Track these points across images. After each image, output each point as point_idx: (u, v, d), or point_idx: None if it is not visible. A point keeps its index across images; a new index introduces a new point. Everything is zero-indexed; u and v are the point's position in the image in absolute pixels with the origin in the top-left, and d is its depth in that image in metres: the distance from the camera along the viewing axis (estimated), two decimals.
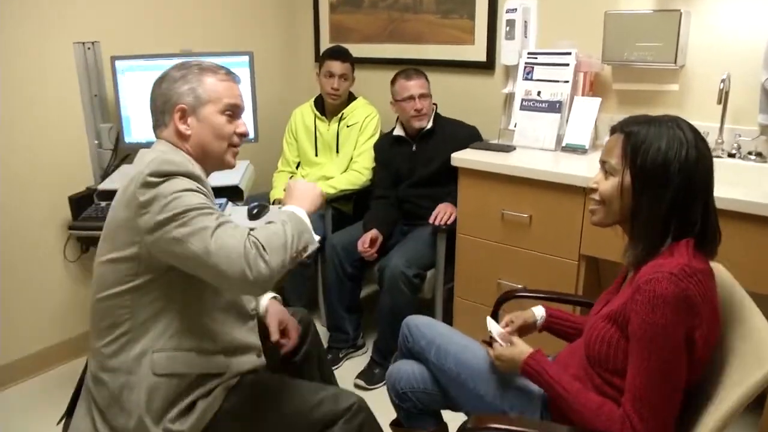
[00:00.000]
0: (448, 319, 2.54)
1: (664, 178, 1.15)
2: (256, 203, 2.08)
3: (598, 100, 2.35)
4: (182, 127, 1.34)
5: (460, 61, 2.91)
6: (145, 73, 2.52)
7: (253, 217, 2.03)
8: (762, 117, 2.23)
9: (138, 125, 2.55)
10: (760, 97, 2.22)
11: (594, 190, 1.26)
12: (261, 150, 2.85)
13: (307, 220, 1.32)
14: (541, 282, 2.22)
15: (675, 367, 1.11)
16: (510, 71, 2.72)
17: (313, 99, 3.00)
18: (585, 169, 2.11)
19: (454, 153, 2.38)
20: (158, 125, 1.38)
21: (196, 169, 1.30)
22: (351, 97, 2.94)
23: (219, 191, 2.21)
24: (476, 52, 2.85)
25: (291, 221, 1.27)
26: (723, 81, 2.14)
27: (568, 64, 2.41)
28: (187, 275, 1.24)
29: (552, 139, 2.40)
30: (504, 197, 2.26)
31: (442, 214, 2.45)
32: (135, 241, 1.23)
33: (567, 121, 2.40)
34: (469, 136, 2.64)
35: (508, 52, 2.63)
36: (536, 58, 2.51)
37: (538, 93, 2.47)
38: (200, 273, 1.20)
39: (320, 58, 2.92)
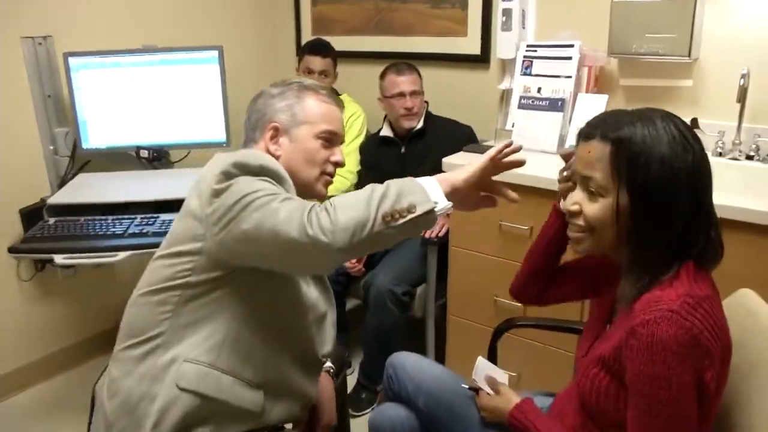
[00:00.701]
0: (440, 338, 2.33)
1: (673, 193, 0.94)
2: None
3: (605, 97, 2.13)
4: (272, 147, 1.25)
5: (453, 55, 2.68)
6: (103, 71, 2.28)
7: None
8: None
9: (97, 129, 2.31)
10: None
11: (576, 214, 1.03)
12: None
13: (430, 185, 1.01)
14: None
15: (684, 424, 0.91)
16: (507, 65, 2.49)
17: None
18: None
19: (446, 157, 2.15)
20: (247, 141, 1.30)
21: (290, 181, 1.15)
22: (333, 94, 2.71)
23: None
24: (470, 44, 2.62)
25: (395, 182, 1.01)
26: (743, 76, 1.92)
27: (570, 58, 2.19)
28: (256, 285, 1.12)
29: (554, 141, 2.17)
30: (502, 207, 2.01)
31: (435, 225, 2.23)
32: (200, 235, 1.09)
33: (570, 120, 2.17)
34: (464, 137, 2.42)
35: (504, 45, 2.40)
36: (536, 51, 2.28)
37: (539, 90, 2.24)
38: (261, 252, 1.03)
39: (299, 53, 2.69)
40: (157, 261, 1.17)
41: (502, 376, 1.31)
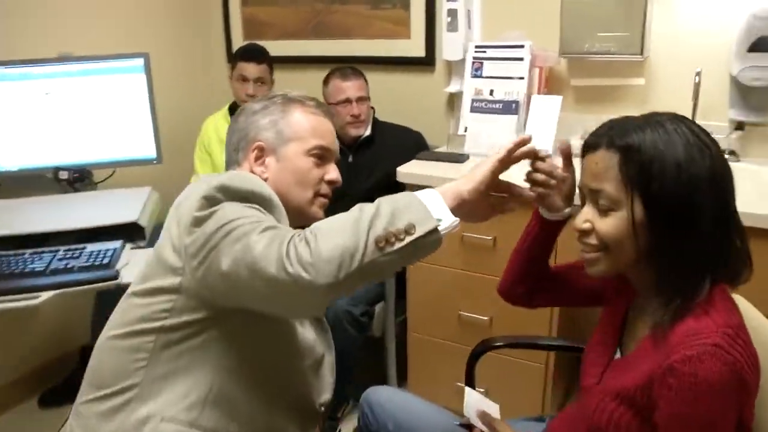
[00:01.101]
0: (401, 357, 2.20)
1: (693, 202, 0.84)
2: None
3: (559, 98, 2.06)
4: (258, 169, 1.12)
5: (396, 58, 2.57)
6: (11, 84, 2.02)
7: None
8: (733, 112, 2.02)
9: (7, 149, 2.05)
10: (730, 91, 2.00)
11: (587, 233, 0.92)
12: (167, 172, 2.38)
13: (432, 199, 0.86)
14: (509, 313, 1.89)
15: None
16: (453, 67, 2.40)
17: (227, 106, 2.57)
18: None
19: (400, 167, 2.03)
20: (230, 164, 1.17)
21: (281, 207, 1.02)
22: None
23: (113, 231, 1.77)
24: (413, 46, 2.51)
25: (388, 199, 0.87)
26: (698, 74, 1.90)
27: (522, 59, 2.11)
28: (245, 328, 0.98)
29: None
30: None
31: None
32: (178, 269, 0.95)
33: (525, 123, 2.10)
34: (414, 144, 2.31)
35: (450, 46, 2.31)
36: (485, 52, 2.20)
37: (491, 92, 2.16)
38: (243, 291, 0.88)
39: (232, 60, 2.50)
40: (130, 298, 1.02)
41: (492, 408, 1.19)
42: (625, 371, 0.93)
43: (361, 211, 0.84)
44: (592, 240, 0.91)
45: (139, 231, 1.79)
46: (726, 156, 1.93)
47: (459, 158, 2.07)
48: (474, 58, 2.21)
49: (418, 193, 0.87)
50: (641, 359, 0.91)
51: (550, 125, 2.05)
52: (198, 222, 0.93)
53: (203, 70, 3.03)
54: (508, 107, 2.11)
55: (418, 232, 0.81)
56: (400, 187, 2.00)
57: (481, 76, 2.19)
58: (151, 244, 1.75)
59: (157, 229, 2.19)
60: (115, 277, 1.56)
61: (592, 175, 0.90)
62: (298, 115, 1.14)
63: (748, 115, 1.98)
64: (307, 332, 1.12)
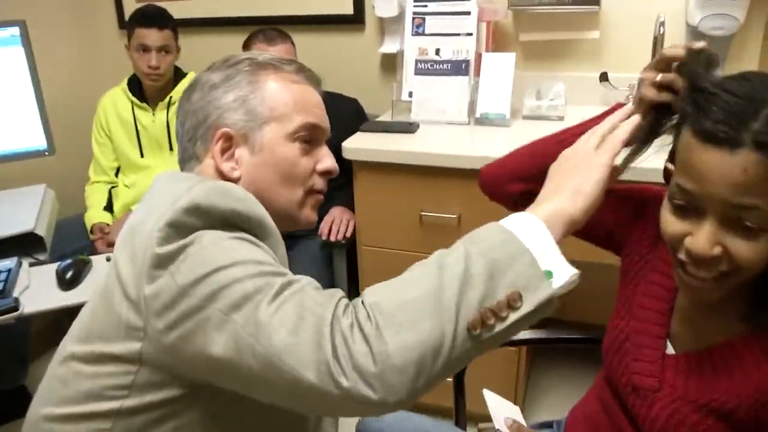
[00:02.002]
0: None
1: None
2: (68, 260, 1.33)
3: (512, 55, 1.88)
4: (225, 165, 0.84)
5: (319, 16, 2.29)
6: None
7: (67, 284, 1.29)
8: None
9: None
10: (686, 40, 1.90)
11: (717, 259, 0.68)
12: (61, 164, 1.99)
13: (533, 236, 0.63)
14: None
15: None
16: (387, 25, 2.16)
17: (125, 81, 2.19)
18: (514, 147, 1.63)
19: (345, 141, 1.78)
20: (185, 160, 0.89)
21: (268, 217, 0.77)
22: (179, 74, 2.20)
23: (4, 246, 1.42)
24: (339, 3, 2.24)
25: (477, 244, 0.63)
26: (661, 24, 1.77)
27: (469, 12, 1.90)
28: (233, 405, 0.72)
29: (463, 110, 1.89)
30: (420, 194, 1.72)
31: (337, 224, 1.87)
32: (137, 330, 0.69)
33: (478, 85, 1.90)
34: (351, 112, 2.08)
35: (383, 2, 2.06)
36: (426, 6, 1.96)
37: (437, 51, 1.94)
38: (244, 380, 0.64)
39: (127, 26, 2.12)
40: (69, 363, 0.74)
41: (515, 411, 1.03)
42: (706, 377, 0.77)
43: (442, 269, 0.59)
44: (721, 267, 0.69)
45: (37, 242, 1.45)
46: None
47: (409, 128, 1.85)
48: (414, 13, 1.97)
49: (514, 227, 0.63)
50: (736, 367, 0.75)
51: (505, 86, 1.86)
52: (162, 263, 0.66)
53: (94, 38, 2.60)
54: (458, 67, 1.90)
55: (526, 305, 0.59)
56: (346, 165, 1.76)
57: (423, 34, 1.96)
58: (55, 257, 1.43)
59: (62, 235, 1.86)
60: (15, 308, 1.23)
61: (733, 186, 0.64)
62: (274, 85, 0.86)
63: None
64: None
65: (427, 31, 1.96)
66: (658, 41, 1.80)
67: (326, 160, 0.90)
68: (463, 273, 0.59)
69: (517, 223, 0.64)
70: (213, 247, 0.67)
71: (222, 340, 0.61)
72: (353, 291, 1.93)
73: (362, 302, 0.61)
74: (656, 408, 0.81)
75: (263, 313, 0.60)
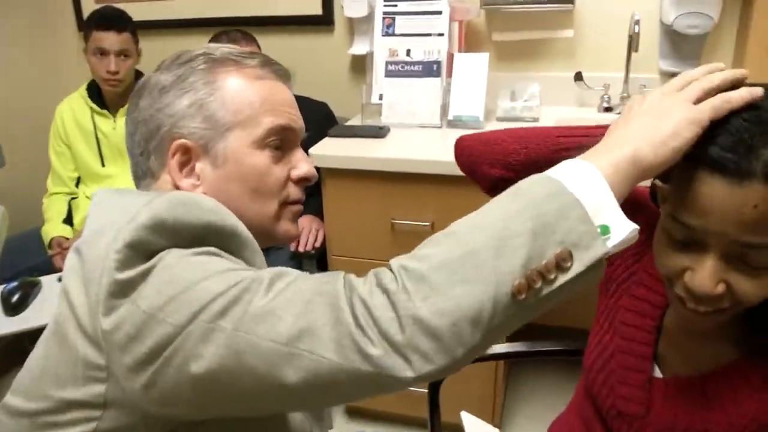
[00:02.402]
0: None
1: None
2: (14, 282, 1.24)
3: (486, 55, 1.82)
4: (185, 183, 0.74)
5: (287, 17, 2.22)
6: None
7: (12, 309, 1.20)
8: (665, 63, 1.89)
9: None
10: (661, 41, 1.87)
11: (719, 297, 0.62)
12: (11, 176, 1.89)
13: (585, 185, 0.54)
14: None
15: None
16: (356, 26, 2.09)
17: (84, 86, 2.09)
18: None
19: (312, 147, 1.71)
20: (140, 176, 0.78)
21: (241, 226, 0.67)
22: (140, 78, 2.10)
23: None
24: (307, 3, 2.17)
25: (524, 194, 0.55)
26: (636, 22, 1.73)
27: (440, 12, 1.84)
28: None
29: (435, 113, 1.83)
30: (392, 201, 1.66)
31: (306, 234, 1.80)
32: (99, 369, 0.59)
33: (450, 86, 1.84)
34: (321, 116, 2.00)
35: (352, 2, 1.99)
36: (396, 5, 1.90)
37: (408, 52, 1.87)
38: (268, 395, 0.55)
39: (84, 28, 2.02)
40: (19, 420, 0.63)
41: None
42: (697, 405, 0.71)
43: (476, 229, 0.53)
44: (723, 303, 0.63)
45: None
46: None
47: (379, 132, 1.78)
48: (384, 13, 1.91)
49: (563, 176, 0.55)
50: (729, 396, 0.69)
51: (479, 87, 1.81)
52: (123, 290, 0.57)
53: (51, 41, 2.49)
54: (429, 69, 1.84)
55: (577, 265, 0.52)
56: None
57: (394, 34, 1.90)
58: (6, 276, 1.33)
59: (15, 251, 1.76)
60: None
61: (742, 223, 0.57)
62: (235, 83, 0.75)
63: (681, 65, 1.86)
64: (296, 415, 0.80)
65: (397, 32, 1.90)
66: (633, 40, 1.76)
67: (301, 166, 0.79)
68: (502, 232, 0.52)
69: (567, 171, 0.55)
70: (179, 264, 0.58)
71: (209, 350, 0.53)
72: None
73: (389, 268, 0.54)
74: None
75: (259, 306, 0.53)
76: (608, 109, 1.90)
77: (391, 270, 0.54)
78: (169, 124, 0.73)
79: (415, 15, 1.87)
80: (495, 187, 0.88)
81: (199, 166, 0.74)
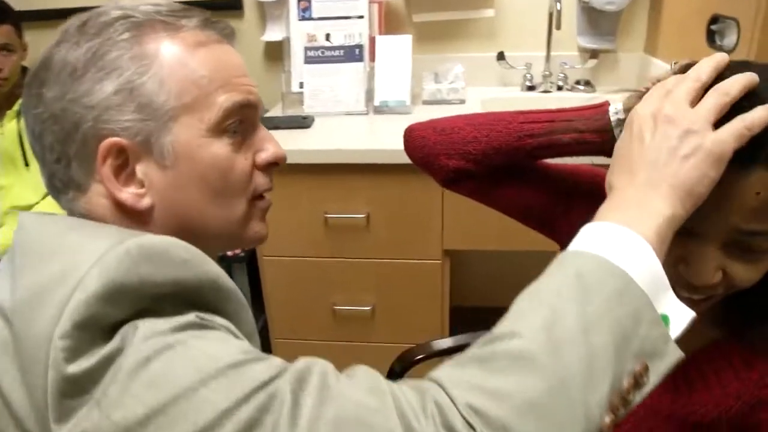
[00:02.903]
0: None
1: None
2: None
3: (409, 37, 1.76)
4: (126, 194, 0.57)
5: (188, 2, 2.04)
6: None
7: None
8: (583, 40, 1.90)
9: None
10: (579, 18, 1.88)
11: (715, 286, 0.61)
12: None
13: (659, 267, 0.47)
14: (395, 295, 1.64)
15: None
16: (268, 10, 1.97)
17: None
18: None
19: None
20: (60, 189, 0.59)
21: (223, 275, 0.53)
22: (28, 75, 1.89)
23: None
24: None
25: (596, 291, 0.45)
26: (558, 1, 1.72)
27: None
28: None
29: (360, 99, 1.75)
30: (323, 194, 1.57)
31: None
32: None
33: (374, 71, 1.77)
34: None
35: None
36: None
37: (327, 37, 1.78)
38: None
39: None
40: None
41: None
42: (681, 389, 0.69)
43: (557, 346, 0.43)
44: (718, 290, 0.60)
45: None
46: (581, 87, 1.86)
47: (303, 122, 1.68)
48: None
49: (622, 260, 0.46)
50: (713, 378, 0.68)
51: (404, 71, 1.75)
52: (79, 388, 0.44)
53: None
54: (351, 53, 1.76)
55: (652, 379, 0.44)
56: None
57: (311, 18, 1.80)
58: None
59: None
60: None
61: (746, 211, 0.54)
62: (172, 53, 0.57)
63: (600, 42, 1.88)
64: None
65: (314, 15, 1.80)
66: (553, 18, 1.76)
67: (268, 147, 0.64)
68: (586, 351, 0.42)
69: (623, 251, 0.46)
70: (160, 353, 0.44)
71: None
72: (257, 305, 1.75)
73: (452, 402, 0.42)
74: (628, 425, 0.73)
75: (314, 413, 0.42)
76: (531, 88, 1.89)
77: (456, 407, 0.42)
78: (91, 119, 0.55)
79: None
80: (451, 179, 0.82)
81: (141, 169, 0.57)
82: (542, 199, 0.83)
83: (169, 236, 0.51)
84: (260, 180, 0.64)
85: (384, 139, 1.57)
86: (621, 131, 0.64)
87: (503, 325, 0.46)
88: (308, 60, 1.78)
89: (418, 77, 1.84)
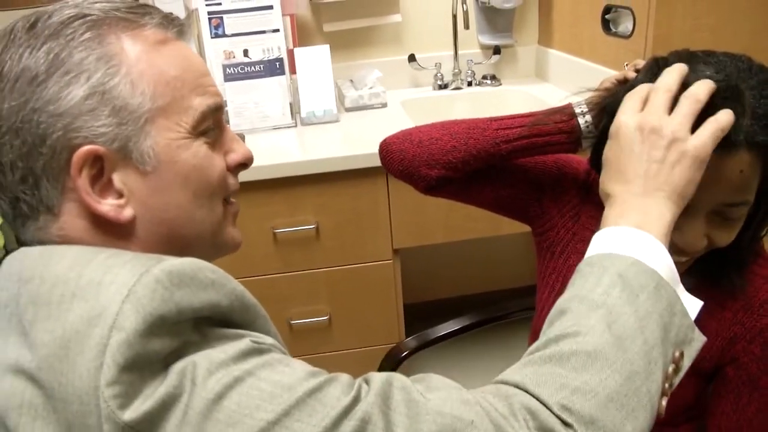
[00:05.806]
0: None
1: None
2: None
3: (326, 47, 1.79)
4: (106, 206, 0.53)
5: None
6: None
7: None
8: (483, 37, 2.03)
9: None
10: (477, 17, 2.00)
11: (700, 250, 0.73)
12: None
13: (671, 263, 0.55)
14: (350, 301, 1.66)
15: None
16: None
17: None
18: (356, 141, 1.60)
19: None
20: (27, 215, 0.54)
21: (246, 292, 0.53)
22: None
23: None
24: None
25: (640, 289, 0.52)
26: (464, 1, 1.82)
27: (272, 7, 1.76)
28: None
29: (286, 112, 1.76)
30: (269, 210, 1.56)
31: None
32: None
33: (296, 83, 1.78)
34: None
35: (163, 3, 1.81)
36: (220, 4, 1.76)
37: (245, 52, 1.76)
38: None
39: None
40: None
41: None
42: None
43: (620, 340, 0.48)
44: (701, 252, 0.71)
45: None
46: (489, 82, 1.98)
47: None
48: (209, 13, 1.76)
49: (650, 260, 0.53)
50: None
51: (326, 80, 1.77)
52: None
53: None
54: (272, 67, 1.75)
55: (686, 362, 0.51)
56: None
57: (225, 35, 1.77)
58: None
59: None
60: None
61: (730, 188, 0.65)
62: (137, 53, 0.55)
63: (500, 38, 2.01)
64: None
65: (228, 32, 1.77)
66: (456, 19, 1.87)
67: (237, 148, 0.63)
68: (644, 346, 0.48)
69: (646, 252, 0.53)
70: (230, 387, 0.43)
71: None
72: None
73: (542, 404, 0.46)
74: None
75: None
76: (443, 87, 1.99)
77: (549, 409, 0.46)
78: (61, 128, 0.51)
79: (245, 12, 1.76)
80: (433, 186, 0.88)
81: (119, 177, 0.54)
82: (515, 191, 0.91)
83: (187, 258, 0.50)
84: (231, 180, 0.63)
85: (314, 149, 1.59)
86: (591, 132, 0.75)
87: (564, 326, 0.51)
88: (228, 77, 1.75)
89: (339, 85, 1.88)
